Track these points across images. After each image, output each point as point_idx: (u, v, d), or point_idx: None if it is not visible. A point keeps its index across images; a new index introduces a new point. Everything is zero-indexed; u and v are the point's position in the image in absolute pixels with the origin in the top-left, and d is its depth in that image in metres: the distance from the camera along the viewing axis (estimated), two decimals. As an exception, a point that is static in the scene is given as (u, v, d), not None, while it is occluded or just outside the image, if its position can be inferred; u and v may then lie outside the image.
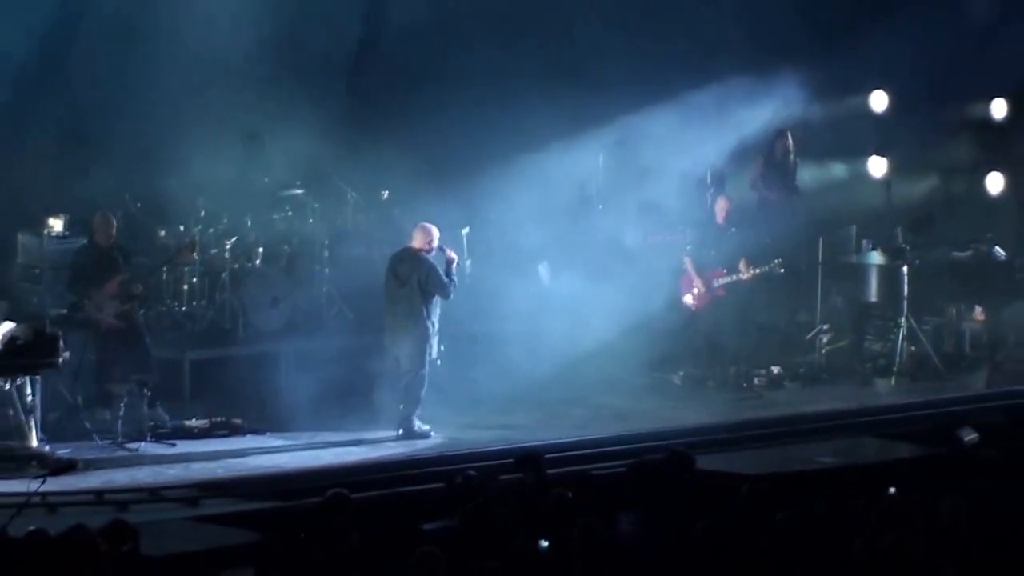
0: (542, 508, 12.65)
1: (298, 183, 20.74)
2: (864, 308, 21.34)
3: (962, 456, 16.37)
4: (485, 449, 16.86)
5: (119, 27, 20.90)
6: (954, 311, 21.41)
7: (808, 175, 21.85)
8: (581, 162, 21.04)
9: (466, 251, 19.41)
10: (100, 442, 16.94)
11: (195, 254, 19.08)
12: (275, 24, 21.21)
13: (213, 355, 19.00)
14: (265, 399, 18.07)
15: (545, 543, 11.80)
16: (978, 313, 21.37)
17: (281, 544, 12.65)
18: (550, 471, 13.97)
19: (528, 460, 13.83)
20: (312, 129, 21.01)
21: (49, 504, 14.28)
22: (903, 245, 20.99)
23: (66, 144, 20.58)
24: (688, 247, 20.54)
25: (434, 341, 17.62)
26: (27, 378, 16.34)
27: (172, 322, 19.44)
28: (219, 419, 17.75)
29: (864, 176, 21.94)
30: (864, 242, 21.33)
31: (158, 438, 17.22)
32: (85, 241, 18.20)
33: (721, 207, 20.59)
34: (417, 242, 17.66)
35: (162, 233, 19.90)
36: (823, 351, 21.14)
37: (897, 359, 20.59)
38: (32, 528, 11.57)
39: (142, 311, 18.35)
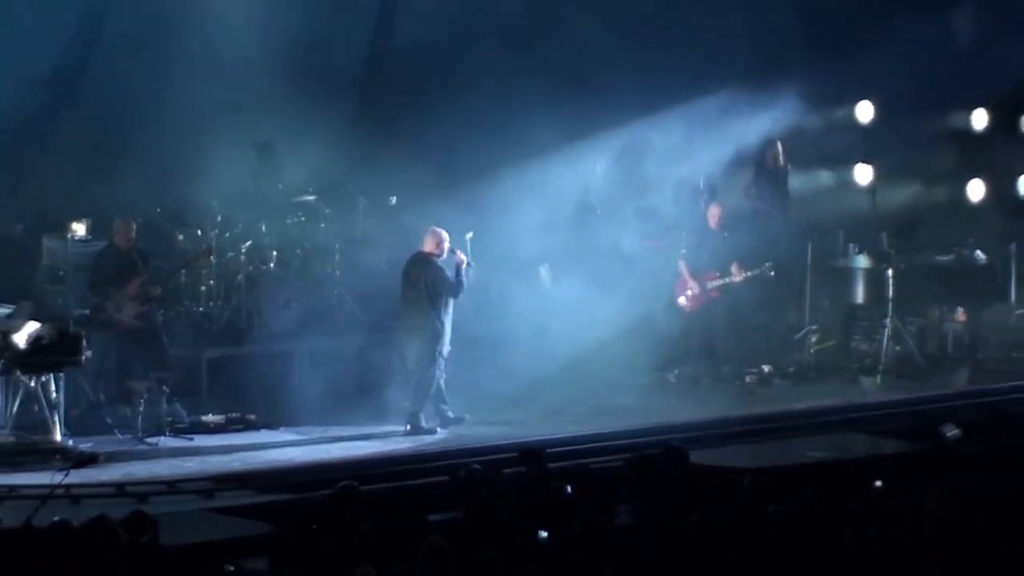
0: (543, 501, 12.63)
1: (310, 190, 20.72)
2: (851, 309, 21.34)
3: (945, 451, 16.32)
4: (489, 444, 16.84)
5: (140, 41, 20.90)
6: (937, 313, 21.40)
7: (797, 182, 21.83)
8: (582, 170, 20.99)
9: (469, 255, 19.35)
10: (121, 437, 16.92)
11: (212, 258, 19.08)
12: (289, 38, 21.22)
13: (229, 354, 18.97)
14: (278, 396, 18.04)
15: (545, 534, 11.78)
16: (960, 314, 21.36)
17: (294, 535, 12.63)
18: (551, 465, 13.95)
19: (530, 454, 13.81)
20: (324, 138, 21.04)
21: (72, 496, 14.26)
22: (888, 249, 21.02)
23: (89, 152, 20.58)
24: (683, 251, 20.55)
25: (444, 340, 17.62)
26: (51, 375, 16.35)
27: (190, 322, 19.41)
28: (234, 415, 17.74)
29: (851, 183, 21.91)
30: (851, 246, 21.34)
31: (176, 433, 17.21)
32: (106, 244, 18.18)
33: (714, 213, 20.64)
34: (427, 246, 17.73)
35: (180, 237, 19.89)
36: (812, 350, 21.12)
37: (883, 358, 20.59)
38: (56, 519, 11.57)
39: (160, 312, 18.33)
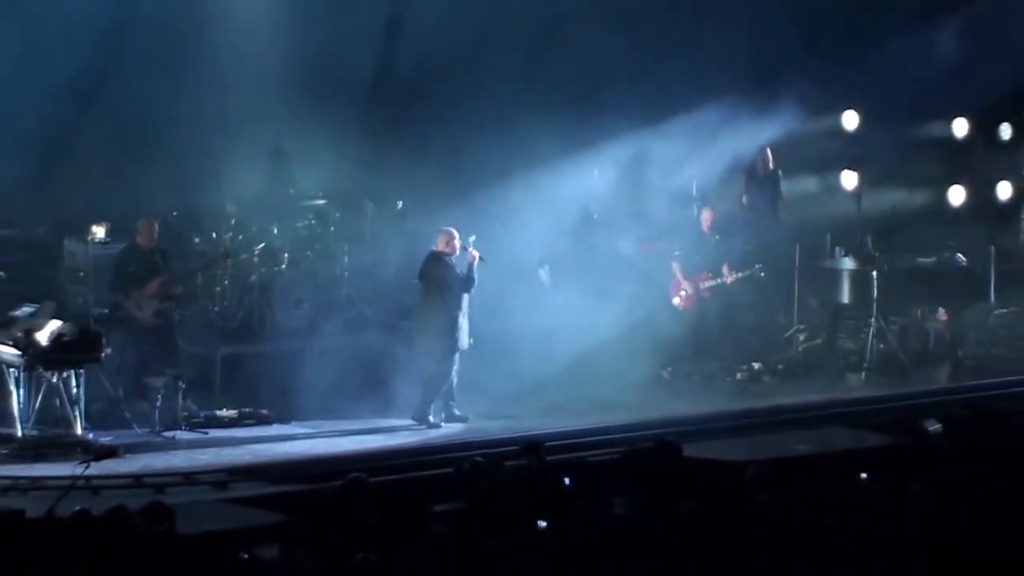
0: (543, 492, 12.64)
1: (320, 195, 20.73)
2: (837, 309, 21.34)
3: (927, 445, 16.34)
4: (491, 438, 16.85)
5: (160, 53, 20.90)
6: (919, 312, 21.38)
7: (786, 187, 21.81)
8: (582, 176, 20.97)
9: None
10: (139, 430, 16.93)
11: (228, 261, 19.10)
12: (300, 51, 21.24)
13: (242, 351, 18.97)
14: (290, 391, 18.03)
15: (543, 523, 11.79)
16: (941, 314, 21.34)
17: (304, 524, 12.65)
18: (550, 458, 13.94)
19: (531, 448, 13.79)
20: (333, 146, 21.07)
21: (93, 487, 14.24)
22: (873, 252, 21.02)
23: (109, 158, 20.57)
24: (676, 253, 20.57)
25: (459, 335, 17.67)
26: (73, 372, 16.35)
27: (205, 321, 19.41)
28: (247, 410, 17.76)
29: (837, 188, 21.90)
30: (837, 249, 21.33)
31: (191, 427, 17.22)
32: (127, 244, 18.19)
33: (706, 217, 20.68)
34: (440, 245, 17.82)
35: (196, 239, 19.90)
36: (800, 348, 21.13)
37: (867, 356, 20.59)
38: (77, 508, 11.57)
39: (177, 311, 18.33)
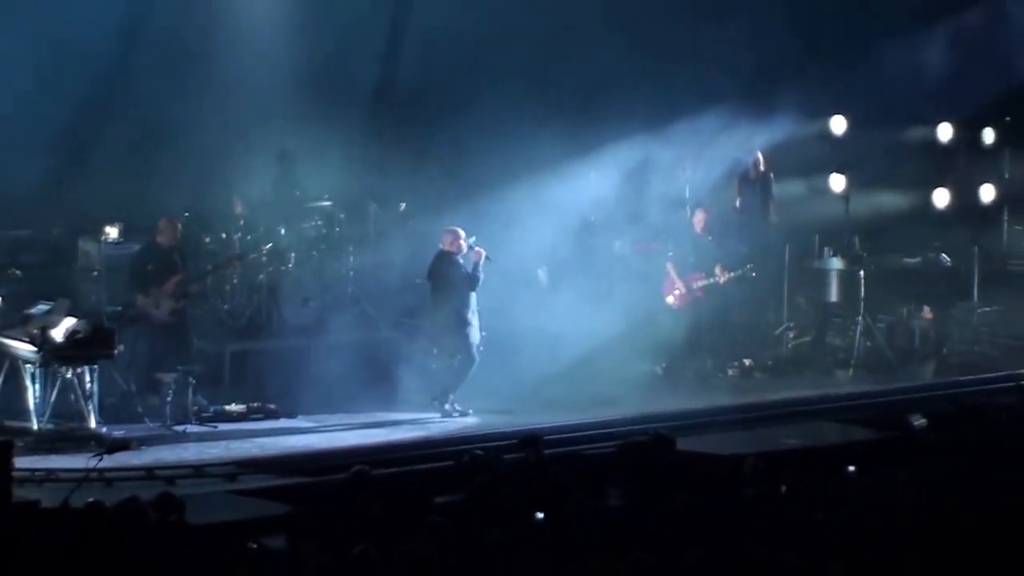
0: (541, 484, 12.63)
1: (326, 196, 20.70)
2: (825, 308, 21.32)
3: (912, 439, 16.32)
4: (491, 432, 16.85)
5: (173, 59, 20.92)
6: (905, 311, 21.37)
7: (777, 190, 21.78)
8: (581, 180, 20.93)
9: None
10: (150, 424, 16.92)
11: (240, 262, 19.09)
12: (307, 58, 21.27)
13: (251, 348, 18.95)
14: (296, 387, 18.02)
15: (540, 515, 11.78)
16: (926, 312, 21.33)
17: (310, 515, 12.64)
18: (548, 451, 13.93)
19: (529, 441, 13.80)
20: (338, 149, 21.07)
21: (106, 479, 14.26)
22: (860, 252, 21.02)
23: (123, 160, 20.57)
24: (670, 254, 20.55)
25: (470, 331, 17.69)
26: (86, 367, 16.35)
27: (215, 318, 19.40)
28: (255, 404, 17.74)
29: (826, 191, 21.88)
30: (826, 249, 21.33)
31: (201, 421, 17.21)
32: (147, 242, 18.17)
33: (699, 219, 20.66)
34: (446, 244, 17.84)
35: (207, 240, 19.88)
36: (789, 346, 21.12)
37: (855, 353, 20.58)
38: (91, 499, 11.58)
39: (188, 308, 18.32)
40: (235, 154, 20.55)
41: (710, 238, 20.49)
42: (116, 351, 16.55)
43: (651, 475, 13.16)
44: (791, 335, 21.18)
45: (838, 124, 22.21)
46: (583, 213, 20.69)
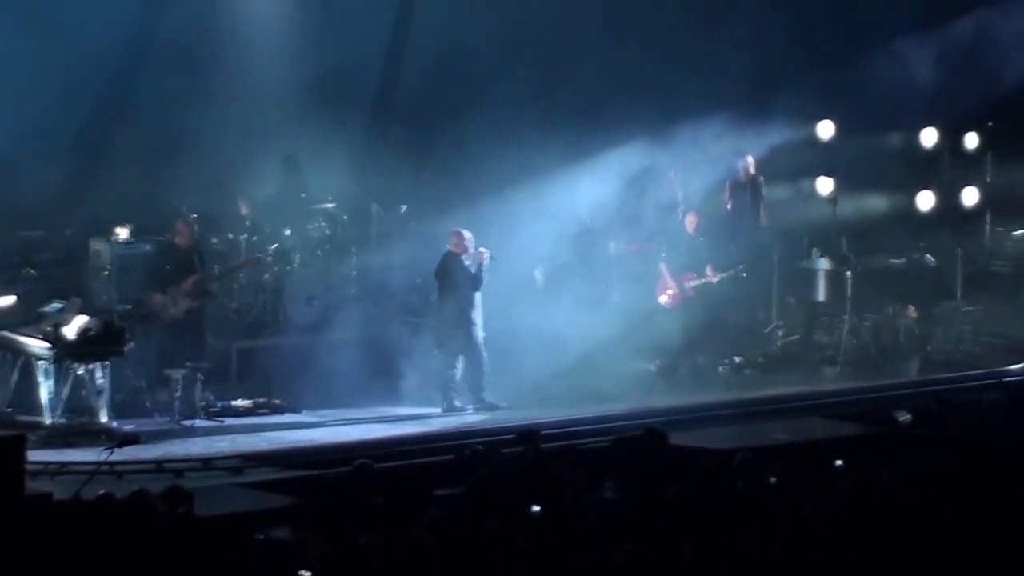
0: (538, 478, 12.63)
1: (330, 199, 20.71)
2: (814, 307, 21.32)
3: (897, 434, 16.33)
4: (490, 427, 16.85)
5: (180, 66, 20.92)
6: (890, 310, 21.38)
7: (767, 193, 21.77)
8: (578, 184, 20.91)
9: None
10: (160, 419, 16.92)
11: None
12: (311, 66, 21.26)
13: (257, 345, 18.96)
14: (301, 383, 18.01)
15: (537, 508, 11.78)
16: (911, 311, 21.33)
17: (314, 507, 12.64)
18: (545, 445, 13.93)
19: (527, 436, 13.79)
20: (342, 153, 21.08)
21: (116, 472, 14.24)
22: (847, 253, 21.01)
23: (133, 163, 20.57)
24: (663, 254, 20.55)
25: (474, 329, 17.72)
26: (98, 364, 16.34)
27: (222, 316, 19.39)
28: (261, 400, 17.74)
29: (814, 194, 21.89)
30: (814, 250, 21.30)
31: (209, 416, 17.21)
32: (166, 243, 18.16)
33: (691, 220, 20.67)
34: (452, 245, 17.83)
35: (214, 240, 19.87)
36: (779, 343, 21.11)
37: (842, 350, 20.58)
38: (102, 492, 11.58)
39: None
40: (242, 158, 20.56)
41: (702, 239, 20.50)
42: (126, 348, 16.54)
43: (644, 468, 13.15)
44: (780, 333, 21.17)
45: (826, 129, 22.21)
46: (582, 218, 20.66)
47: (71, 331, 16.25)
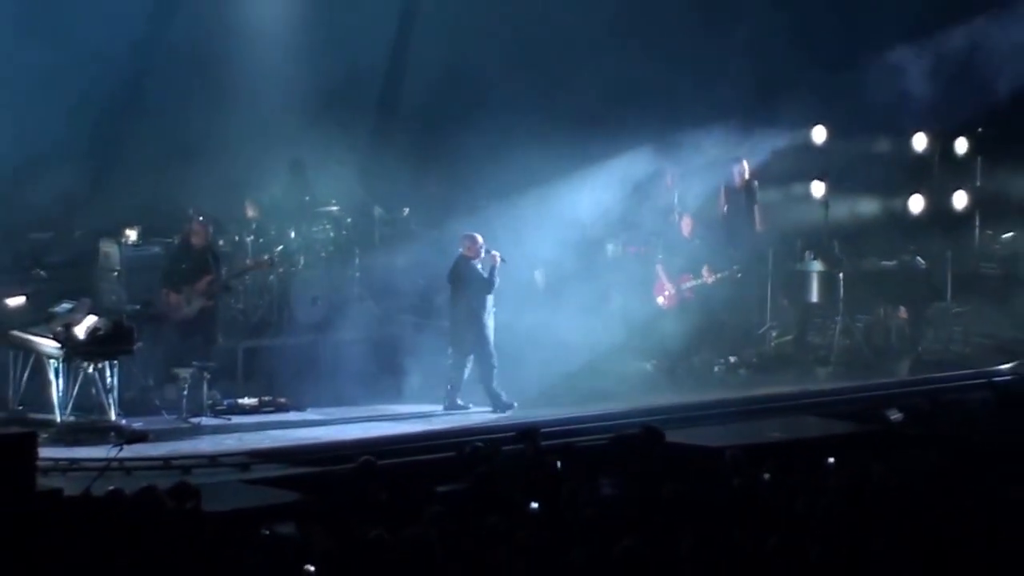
0: (538, 474, 12.63)
1: (334, 202, 20.71)
2: (807, 308, 21.33)
3: (889, 432, 16.34)
4: (490, 425, 16.86)
5: (190, 72, 20.95)
6: (882, 311, 21.39)
7: (761, 196, 21.77)
8: (578, 188, 20.90)
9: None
10: (167, 417, 16.93)
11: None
12: (317, 73, 21.27)
13: (262, 344, 18.95)
14: (306, 381, 18.02)
15: (535, 504, 11.78)
16: (902, 312, 21.35)
17: (319, 503, 12.64)
18: (544, 443, 13.94)
19: (527, 434, 13.80)
20: (346, 157, 21.06)
21: (125, 468, 14.27)
22: (840, 255, 21.03)
23: (142, 168, 20.57)
24: (660, 256, 20.55)
25: (486, 331, 17.69)
26: (107, 363, 16.35)
27: (228, 316, 19.39)
28: (267, 398, 17.75)
29: (807, 197, 21.90)
30: (807, 252, 21.30)
31: (216, 414, 17.22)
32: (181, 243, 18.16)
33: (687, 223, 20.67)
34: (464, 249, 17.82)
35: (220, 242, 19.87)
36: (772, 344, 21.12)
37: (834, 351, 20.59)
38: (111, 488, 11.59)
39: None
40: (249, 162, 20.57)
41: (697, 241, 20.50)
42: (135, 347, 16.56)
43: (642, 466, 13.15)
44: (774, 334, 21.18)
45: (819, 134, 22.24)
46: (583, 224, 20.65)
47: (81, 331, 16.27)
